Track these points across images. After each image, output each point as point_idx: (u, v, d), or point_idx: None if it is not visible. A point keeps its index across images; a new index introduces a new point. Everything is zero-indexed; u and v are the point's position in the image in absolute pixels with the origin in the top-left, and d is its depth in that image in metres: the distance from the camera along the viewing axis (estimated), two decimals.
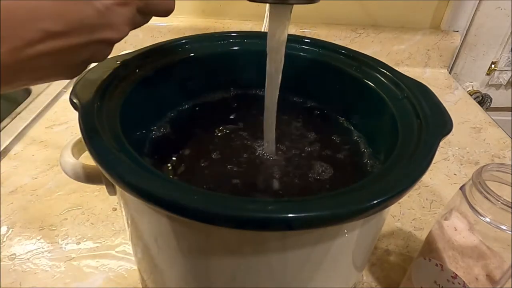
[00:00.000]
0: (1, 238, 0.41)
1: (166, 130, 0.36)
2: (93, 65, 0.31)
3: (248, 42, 0.39)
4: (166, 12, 0.26)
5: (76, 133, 0.32)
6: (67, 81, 0.68)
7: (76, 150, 0.29)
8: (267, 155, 0.33)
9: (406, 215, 0.46)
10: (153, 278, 0.31)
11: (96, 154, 0.22)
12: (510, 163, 0.35)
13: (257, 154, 0.34)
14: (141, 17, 0.25)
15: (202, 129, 0.37)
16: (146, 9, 0.24)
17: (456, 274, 0.28)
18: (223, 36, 0.39)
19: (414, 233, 0.44)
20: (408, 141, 0.26)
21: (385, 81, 0.33)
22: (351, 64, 0.36)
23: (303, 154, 0.34)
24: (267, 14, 0.65)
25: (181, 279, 0.27)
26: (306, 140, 0.36)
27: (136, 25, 0.25)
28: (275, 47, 0.29)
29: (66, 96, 0.66)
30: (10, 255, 0.39)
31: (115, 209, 0.45)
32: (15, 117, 0.58)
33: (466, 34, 0.79)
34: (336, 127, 0.38)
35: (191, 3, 0.75)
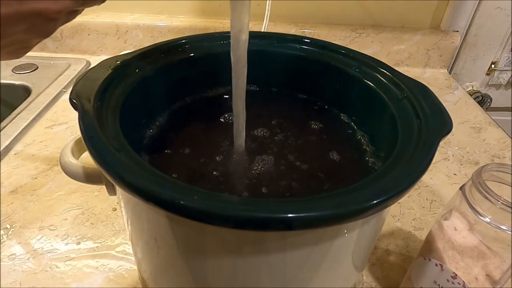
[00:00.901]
0: (1, 238, 0.41)
1: (166, 129, 0.36)
2: (93, 65, 0.31)
3: (248, 42, 0.39)
4: None
5: (76, 133, 0.32)
6: (67, 81, 0.68)
7: (76, 150, 0.29)
8: (263, 155, 0.33)
9: (406, 215, 0.46)
10: (153, 278, 0.31)
11: (96, 154, 0.22)
12: (510, 163, 0.35)
13: (257, 151, 0.34)
14: None
15: (202, 128, 0.37)
16: None
17: (456, 274, 0.28)
18: (223, 36, 0.39)
19: (414, 233, 0.44)
20: (408, 141, 0.26)
21: (385, 81, 0.33)
22: (351, 64, 0.36)
23: (303, 149, 0.34)
24: (267, 14, 0.65)
25: (181, 279, 0.27)
26: (306, 135, 0.36)
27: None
28: (237, 37, 0.29)
29: (66, 96, 0.65)
30: (10, 255, 0.39)
31: (115, 209, 0.45)
32: (15, 117, 0.58)
33: (466, 34, 0.79)
34: (337, 124, 0.38)
35: (191, 3, 0.75)
